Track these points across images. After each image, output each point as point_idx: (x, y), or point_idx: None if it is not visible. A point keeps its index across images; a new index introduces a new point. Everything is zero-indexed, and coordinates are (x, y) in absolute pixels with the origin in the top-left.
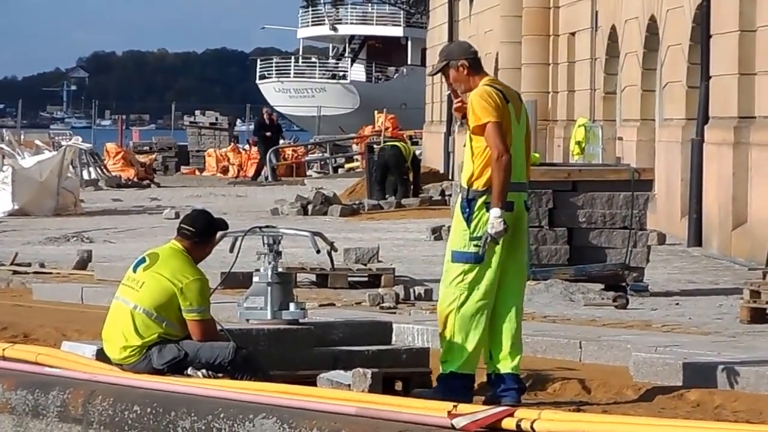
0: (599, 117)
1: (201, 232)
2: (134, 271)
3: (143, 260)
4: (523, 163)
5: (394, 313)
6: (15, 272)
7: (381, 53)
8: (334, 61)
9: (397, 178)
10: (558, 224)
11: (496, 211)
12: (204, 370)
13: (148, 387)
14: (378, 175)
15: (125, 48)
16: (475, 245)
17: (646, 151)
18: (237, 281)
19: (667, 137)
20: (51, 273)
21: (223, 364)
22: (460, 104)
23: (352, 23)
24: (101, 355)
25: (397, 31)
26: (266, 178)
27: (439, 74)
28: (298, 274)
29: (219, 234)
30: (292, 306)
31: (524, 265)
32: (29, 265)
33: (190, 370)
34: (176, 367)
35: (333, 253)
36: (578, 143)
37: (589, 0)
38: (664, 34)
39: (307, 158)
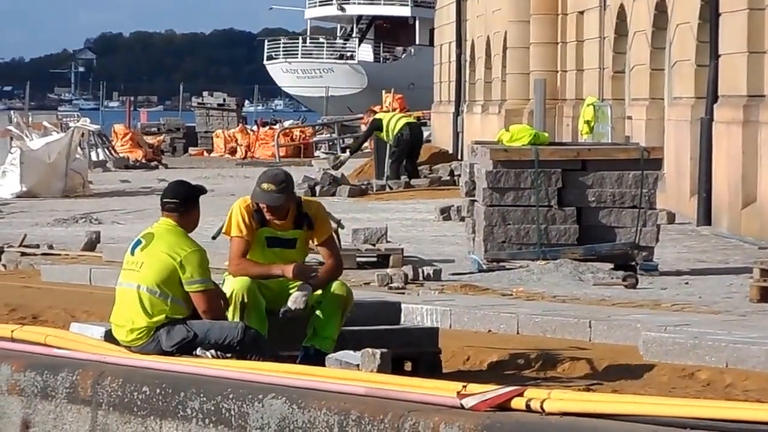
0: (608, 96)
1: (184, 200)
2: (132, 253)
3: (139, 242)
4: None
5: (403, 293)
6: (23, 254)
7: (389, 33)
8: (341, 41)
9: (415, 159)
10: (567, 204)
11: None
12: (213, 351)
13: (156, 368)
14: (404, 153)
15: (132, 29)
16: None
17: (656, 130)
18: None
19: (677, 116)
20: (59, 255)
21: (232, 344)
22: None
23: (359, 3)
24: (110, 337)
25: (405, 11)
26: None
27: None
28: None
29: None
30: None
31: None
32: (38, 246)
33: (198, 351)
34: (185, 348)
35: (340, 230)
36: (587, 122)
37: None
38: (673, 12)
39: (314, 139)
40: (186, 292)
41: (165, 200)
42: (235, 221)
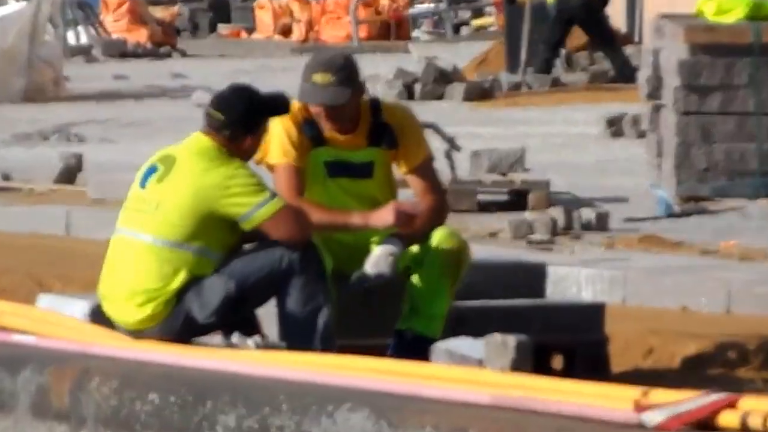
0: None
1: (237, 118)
2: (142, 186)
3: (153, 169)
4: None
5: (550, 250)
6: None
7: None
8: None
9: (598, 39)
10: None
11: None
12: (258, 338)
13: (170, 364)
14: (554, 34)
15: None
16: None
17: None
18: None
19: None
20: (20, 189)
21: (292, 268)
22: None
23: None
24: (99, 316)
25: None
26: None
27: None
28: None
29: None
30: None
31: None
32: None
33: (235, 337)
34: (234, 313)
35: (454, 154)
36: None
37: None
38: None
39: (412, 11)
40: (230, 237)
41: (209, 110)
42: (278, 140)
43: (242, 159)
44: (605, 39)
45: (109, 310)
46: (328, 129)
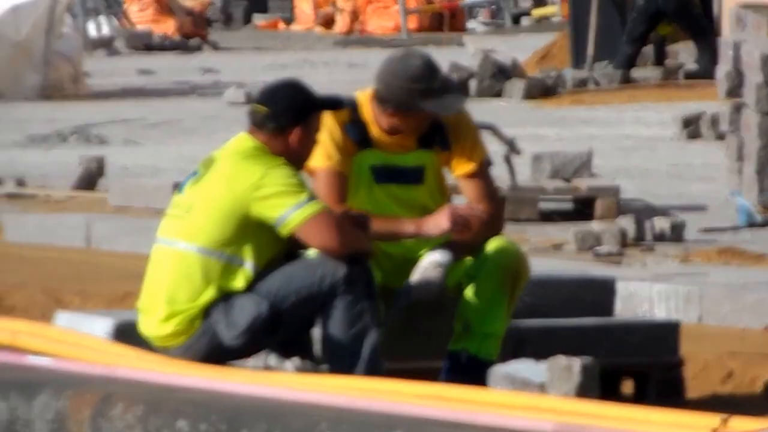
0: None
1: (281, 109)
2: (180, 191)
3: (195, 173)
4: None
5: (619, 263)
6: None
7: None
8: None
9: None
10: None
11: None
12: (297, 360)
13: (200, 388)
14: (637, 27)
15: None
16: None
17: None
18: None
19: None
20: (36, 196)
21: (335, 287)
22: None
23: None
24: (123, 335)
25: None
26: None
27: None
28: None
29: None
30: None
31: None
32: None
33: (272, 359)
34: (265, 335)
35: (513, 158)
36: None
37: None
38: None
39: (466, 1)
40: (265, 247)
41: (252, 108)
42: (320, 142)
43: (290, 160)
44: (699, 31)
45: (142, 324)
46: (376, 130)
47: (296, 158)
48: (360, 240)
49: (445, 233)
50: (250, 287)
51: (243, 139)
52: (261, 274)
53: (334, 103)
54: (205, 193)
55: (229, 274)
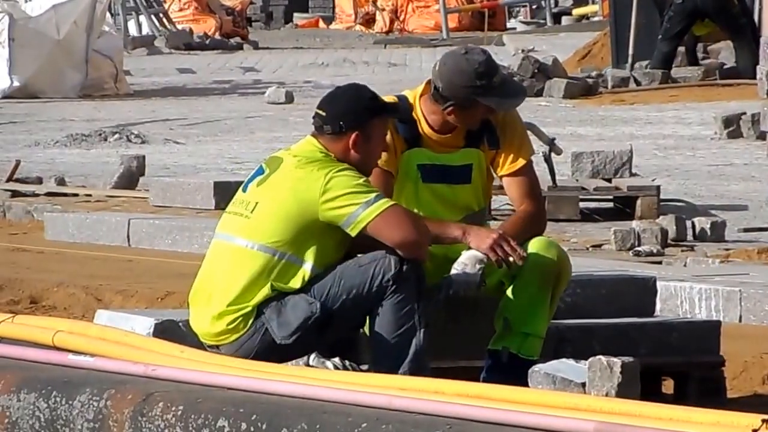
0: None
1: (338, 112)
2: (244, 190)
3: (259, 172)
4: None
5: (660, 262)
6: (15, 194)
7: None
8: None
9: (731, 31)
10: None
11: None
12: (338, 360)
13: (240, 386)
14: (674, 25)
15: None
16: None
17: None
18: None
19: None
20: (76, 195)
21: (384, 284)
22: None
23: None
24: (164, 335)
25: None
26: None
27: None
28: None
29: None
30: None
31: None
32: (39, 181)
33: (313, 360)
34: (318, 336)
35: (553, 157)
36: None
37: None
38: None
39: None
40: (326, 252)
41: (315, 112)
42: None
43: (353, 165)
44: (737, 30)
45: (193, 321)
46: (425, 129)
47: (359, 163)
48: (429, 234)
49: (483, 251)
50: (303, 287)
51: (308, 143)
52: (318, 275)
53: (393, 110)
54: (271, 193)
55: (287, 274)
